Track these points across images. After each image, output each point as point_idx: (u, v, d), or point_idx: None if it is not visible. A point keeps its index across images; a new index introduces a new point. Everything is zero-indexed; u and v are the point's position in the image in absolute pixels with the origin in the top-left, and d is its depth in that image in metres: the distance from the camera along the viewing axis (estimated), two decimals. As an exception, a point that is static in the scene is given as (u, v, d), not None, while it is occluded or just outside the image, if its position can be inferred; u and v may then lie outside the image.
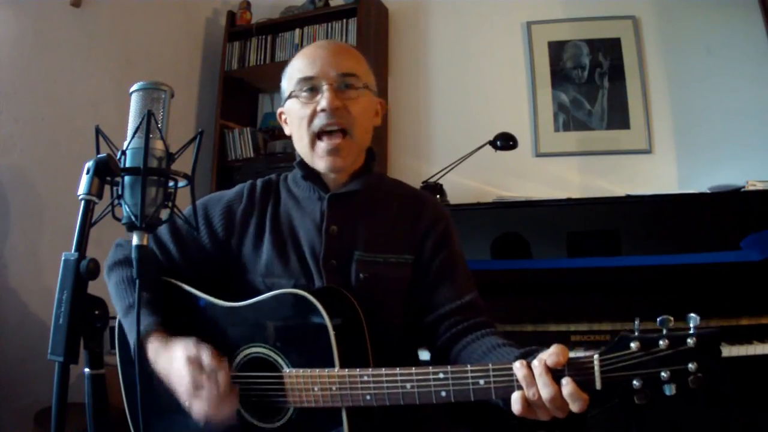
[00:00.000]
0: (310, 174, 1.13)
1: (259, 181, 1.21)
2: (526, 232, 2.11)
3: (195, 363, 0.94)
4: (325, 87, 1.06)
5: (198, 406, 0.94)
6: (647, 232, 2.01)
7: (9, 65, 2.22)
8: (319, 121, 1.06)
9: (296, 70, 1.11)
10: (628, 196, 2.17)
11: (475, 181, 2.72)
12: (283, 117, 1.19)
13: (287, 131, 1.18)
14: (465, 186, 2.67)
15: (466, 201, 2.40)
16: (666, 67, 2.67)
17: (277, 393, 0.98)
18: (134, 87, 0.84)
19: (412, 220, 1.13)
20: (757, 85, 2.50)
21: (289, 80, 1.13)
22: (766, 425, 1.74)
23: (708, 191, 2.22)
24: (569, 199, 2.21)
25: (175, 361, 0.96)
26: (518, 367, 0.82)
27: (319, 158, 1.09)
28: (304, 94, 1.08)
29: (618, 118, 2.70)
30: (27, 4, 2.28)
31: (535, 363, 0.81)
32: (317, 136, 1.08)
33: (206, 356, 0.95)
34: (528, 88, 2.84)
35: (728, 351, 1.65)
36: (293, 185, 1.19)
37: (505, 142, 2.37)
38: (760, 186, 2.09)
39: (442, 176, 2.44)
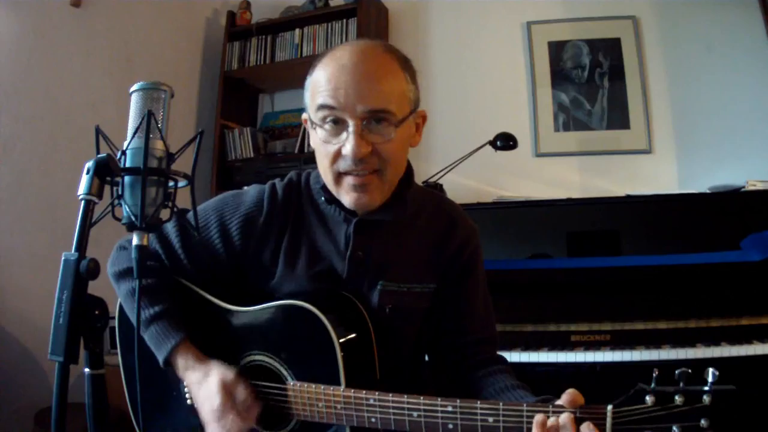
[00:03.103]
0: (335, 199, 1.03)
1: (279, 186, 1.09)
2: (526, 232, 2.11)
3: (229, 391, 0.94)
4: (351, 127, 0.92)
5: (214, 430, 0.94)
6: (647, 232, 2.01)
7: (9, 65, 2.22)
8: (344, 165, 0.95)
9: (317, 91, 0.95)
10: (628, 196, 2.17)
11: (475, 181, 2.72)
12: (309, 123, 1.05)
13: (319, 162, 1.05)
14: (465, 186, 2.67)
15: (466, 201, 2.39)
16: (666, 67, 2.67)
17: (280, 403, 0.97)
18: (134, 87, 0.83)
19: (441, 243, 1.07)
20: (757, 85, 2.50)
21: (311, 98, 0.98)
22: (766, 425, 1.74)
23: (708, 191, 2.22)
24: (569, 199, 2.21)
25: (209, 380, 0.96)
26: (538, 422, 0.79)
27: (345, 193, 0.98)
28: (327, 126, 0.95)
29: (618, 118, 2.70)
30: (27, 4, 2.28)
31: (553, 419, 0.79)
32: (342, 174, 0.97)
33: (242, 390, 0.95)
34: (528, 88, 2.84)
35: (728, 351, 1.65)
36: (318, 197, 1.08)
37: (505, 142, 2.37)
38: (760, 186, 2.09)
39: (442, 176, 2.44)
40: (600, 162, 2.69)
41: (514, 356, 1.79)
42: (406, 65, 1.00)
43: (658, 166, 2.62)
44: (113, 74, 2.61)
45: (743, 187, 2.13)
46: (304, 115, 1.05)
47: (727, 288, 1.82)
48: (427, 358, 1.17)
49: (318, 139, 0.98)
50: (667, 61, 2.67)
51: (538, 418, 0.80)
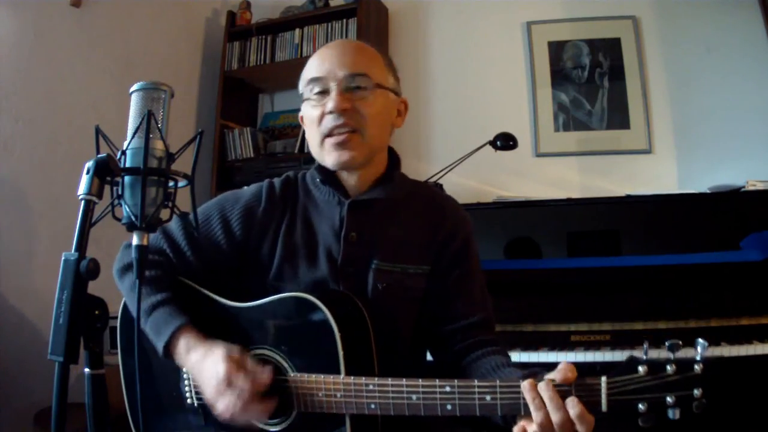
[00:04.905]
0: (329, 178, 1.10)
1: (277, 181, 1.16)
2: (525, 232, 2.11)
3: (234, 361, 0.93)
4: (333, 88, 1.04)
5: (224, 404, 0.92)
6: (647, 232, 2.01)
7: (9, 65, 2.22)
8: (327, 123, 1.04)
9: (307, 71, 1.10)
10: (628, 196, 2.17)
11: (475, 181, 2.72)
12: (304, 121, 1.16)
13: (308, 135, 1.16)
14: (465, 186, 2.67)
15: (466, 201, 2.39)
16: (666, 67, 2.67)
17: (280, 396, 0.97)
18: (134, 87, 0.84)
19: (433, 228, 1.11)
20: (757, 85, 2.50)
21: (302, 82, 1.11)
22: (766, 425, 1.74)
23: (708, 191, 2.22)
24: (569, 199, 2.21)
25: (213, 352, 0.95)
26: (527, 388, 0.81)
27: (327, 154, 1.06)
28: (314, 96, 1.06)
29: (618, 118, 2.70)
30: (27, 4, 2.28)
31: (542, 385, 0.80)
32: (326, 135, 1.05)
33: (249, 359, 0.95)
34: (528, 88, 2.84)
35: (728, 351, 1.65)
36: (312, 186, 1.15)
37: (505, 142, 2.37)
38: (760, 186, 2.10)
39: (442, 176, 2.44)
40: (600, 162, 2.69)
41: (514, 356, 1.79)
42: (386, 58, 1.13)
43: (658, 166, 2.62)
44: (113, 74, 2.61)
45: (743, 187, 2.13)
46: (300, 114, 1.13)
47: (727, 288, 1.82)
48: (429, 357, 1.18)
49: (308, 113, 1.08)
50: (667, 61, 2.67)
51: (526, 383, 0.81)
